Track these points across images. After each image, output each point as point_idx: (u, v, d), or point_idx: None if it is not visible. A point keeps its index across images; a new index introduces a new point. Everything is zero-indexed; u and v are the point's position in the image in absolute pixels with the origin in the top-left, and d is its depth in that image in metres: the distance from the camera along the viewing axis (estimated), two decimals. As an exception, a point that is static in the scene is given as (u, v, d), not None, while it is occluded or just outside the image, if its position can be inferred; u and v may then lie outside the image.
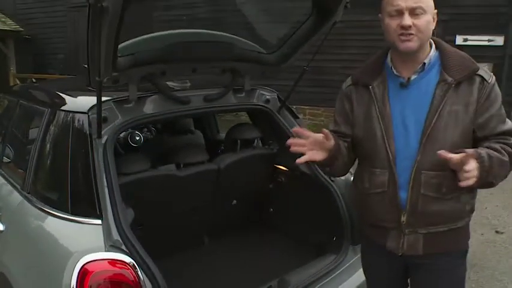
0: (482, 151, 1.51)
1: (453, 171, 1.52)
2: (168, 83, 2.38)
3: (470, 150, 1.49)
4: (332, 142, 1.62)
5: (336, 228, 2.43)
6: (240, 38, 2.46)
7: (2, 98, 3.33)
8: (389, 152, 1.63)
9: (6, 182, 2.45)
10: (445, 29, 9.27)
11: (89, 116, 1.94)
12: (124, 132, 3.49)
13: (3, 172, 2.61)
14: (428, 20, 1.57)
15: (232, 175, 2.62)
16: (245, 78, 2.54)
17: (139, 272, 1.65)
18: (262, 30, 3.02)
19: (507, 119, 1.64)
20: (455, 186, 1.52)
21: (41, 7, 12.99)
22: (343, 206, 2.40)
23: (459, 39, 9.20)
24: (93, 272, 1.55)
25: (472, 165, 1.44)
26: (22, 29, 12.86)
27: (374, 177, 1.68)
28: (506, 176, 1.61)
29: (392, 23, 1.57)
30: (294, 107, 2.92)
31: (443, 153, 1.44)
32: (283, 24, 2.68)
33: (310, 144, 1.60)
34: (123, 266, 1.61)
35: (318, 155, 1.61)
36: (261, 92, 2.67)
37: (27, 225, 2.00)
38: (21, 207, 2.09)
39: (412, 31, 1.55)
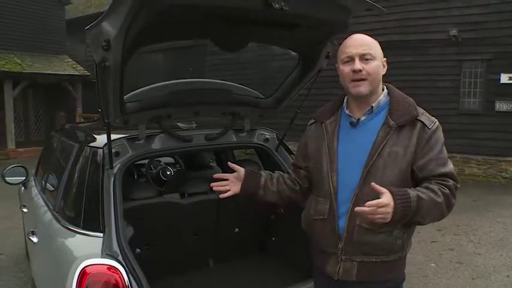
0: (413, 192, 1.64)
1: None
2: (178, 123, 2.79)
3: (398, 190, 1.63)
4: (241, 173, 1.99)
5: None
6: (239, 85, 2.85)
7: (53, 136, 3.95)
8: (331, 184, 1.81)
9: (44, 205, 2.96)
10: (488, 68, 9.27)
11: (103, 150, 2.37)
12: (158, 167, 3.96)
13: (44, 197, 3.13)
14: (377, 65, 1.76)
15: (232, 205, 2.94)
16: (244, 120, 2.89)
17: (129, 280, 1.99)
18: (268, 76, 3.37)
19: (448, 162, 1.77)
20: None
21: (106, 54, 14.32)
22: None
23: (504, 78, 9.15)
24: (90, 273, 1.92)
25: (384, 201, 1.58)
26: (89, 74, 14.24)
27: (318, 205, 1.87)
28: (440, 216, 1.75)
29: (345, 69, 1.77)
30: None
31: (375, 186, 1.61)
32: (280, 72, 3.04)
33: (231, 182, 2.00)
34: (115, 272, 1.97)
35: (236, 187, 1.99)
36: (261, 131, 3.00)
37: (52, 238, 2.45)
38: (50, 224, 2.55)
39: (363, 75, 1.73)
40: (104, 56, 1.89)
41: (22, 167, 4.04)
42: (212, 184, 2.01)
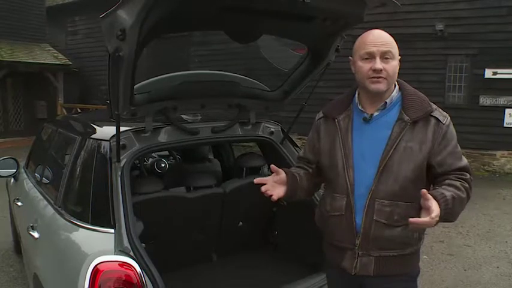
0: (448, 193, 1.63)
1: (406, 202, 1.71)
2: (182, 116, 2.73)
3: (437, 193, 1.61)
4: (283, 175, 1.83)
5: None
6: (246, 77, 2.80)
7: (47, 127, 3.83)
8: (347, 179, 1.79)
9: (43, 198, 2.86)
10: (473, 63, 9.40)
11: (110, 143, 2.30)
12: (151, 159, 3.89)
13: (41, 190, 3.03)
14: (395, 64, 1.75)
15: (237, 199, 2.92)
16: (250, 113, 2.85)
17: (142, 275, 1.95)
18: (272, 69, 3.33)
19: (463, 156, 1.79)
20: (405, 215, 1.65)
21: (88, 42, 14.01)
22: None
23: (488, 73, 9.30)
24: (103, 271, 1.87)
25: (436, 212, 1.54)
26: (71, 63, 13.90)
27: (334, 201, 1.85)
28: (462, 211, 1.72)
29: (365, 66, 1.73)
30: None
31: (425, 193, 1.55)
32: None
33: (271, 186, 1.81)
34: (129, 268, 1.92)
35: (281, 191, 1.83)
36: (266, 124, 2.97)
37: (56, 233, 2.37)
38: (52, 218, 2.47)
39: (383, 75, 1.72)
40: (119, 45, 1.83)
41: (13, 158, 3.91)
42: (262, 188, 1.83)
